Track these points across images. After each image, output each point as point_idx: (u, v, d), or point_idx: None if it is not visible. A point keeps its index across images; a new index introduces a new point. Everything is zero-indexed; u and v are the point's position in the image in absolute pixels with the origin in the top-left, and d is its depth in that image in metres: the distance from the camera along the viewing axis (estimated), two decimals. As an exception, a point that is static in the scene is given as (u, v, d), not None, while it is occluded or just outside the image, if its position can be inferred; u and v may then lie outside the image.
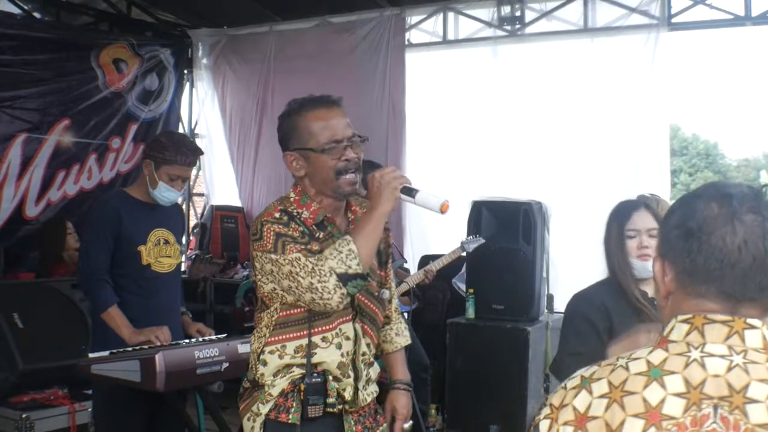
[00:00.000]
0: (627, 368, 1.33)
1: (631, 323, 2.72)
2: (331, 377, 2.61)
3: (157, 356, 3.30)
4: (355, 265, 2.48)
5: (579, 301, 3.09)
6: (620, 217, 3.04)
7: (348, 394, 2.64)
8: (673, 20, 6.66)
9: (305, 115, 2.64)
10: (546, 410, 1.40)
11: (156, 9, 8.85)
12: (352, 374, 2.65)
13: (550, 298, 6.14)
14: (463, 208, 6.02)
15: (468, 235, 5.88)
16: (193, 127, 9.40)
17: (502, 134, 7.16)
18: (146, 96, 8.50)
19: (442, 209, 2.47)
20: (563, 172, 6.83)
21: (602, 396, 1.32)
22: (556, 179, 6.79)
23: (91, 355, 3.60)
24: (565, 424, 1.34)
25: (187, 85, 9.32)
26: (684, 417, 1.25)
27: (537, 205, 6.02)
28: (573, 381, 1.39)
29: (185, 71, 9.15)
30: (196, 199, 9.77)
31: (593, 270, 3.19)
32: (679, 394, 1.27)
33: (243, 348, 3.65)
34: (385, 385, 2.97)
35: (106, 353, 3.60)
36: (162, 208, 4.16)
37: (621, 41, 6.79)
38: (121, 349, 3.64)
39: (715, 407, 1.24)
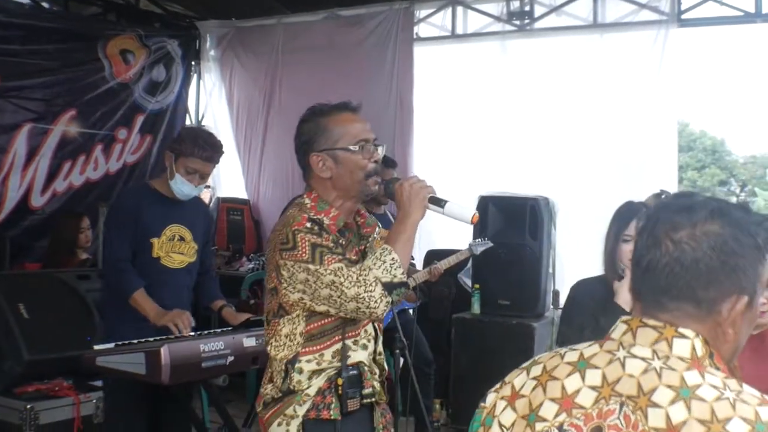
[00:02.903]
0: (563, 357, 1.44)
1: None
2: (366, 368, 2.65)
3: (162, 349, 3.29)
4: (400, 274, 2.52)
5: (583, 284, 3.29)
6: (620, 221, 3.16)
7: (377, 387, 2.70)
8: (683, 17, 6.64)
9: (333, 118, 2.67)
10: (497, 385, 1.52)
11: (164, 0, 8.84)
12: (377, 370, 2.73)
13: (556, 294, 6.14)
14: (470, 203, 6.00)
15: (474, 232, 5.86)
16: (200, 119, 9.40)
17: (510, 129, 7.14)
18: (153, 87, 8.50)
19: (472, 221, 2.57)
20: (570, 167, 6.81)
21: (534, 378, 1.44)
22: (564, 175, 6.77)
23: (96, 347, 3.59)
24: (502, 398, 1.47)
25: (195, 77, 9.31)
26: (592, 408, 1.33)
27: (544, 201, 6.02)
28: (526, 363, 1.51)
29: (193, 63, 9.14)
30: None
31: (600, 266, 3.24)
32: (593, 387, 1.35)
33: (248, 341, 3.64)
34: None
35: (111, 345, 3.59)
36: (184, 204, 4.17)
37: (630, 37, 6.77)
38: (126, 342, 3.63)
39: (621, 404, 1.30)
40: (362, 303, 2.48)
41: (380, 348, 2.77)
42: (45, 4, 8.26)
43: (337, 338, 2.60)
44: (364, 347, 2.66)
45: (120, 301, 4.00)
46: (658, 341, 1.36)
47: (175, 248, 4.12)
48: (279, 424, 2.58)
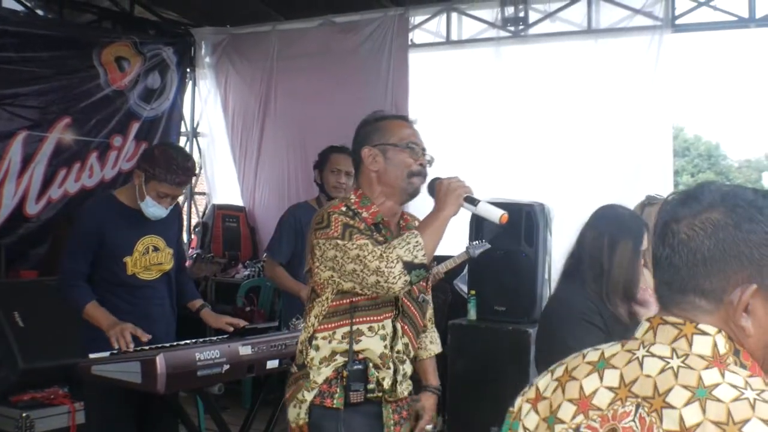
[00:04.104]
0: (585, 356, 1.40)
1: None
2: (371, 365, 2.81)
3: (157, 358, 3.28)
4: (421, 256, 2.68)
5: (578, 302, 3.08)
6: (636, 236, 3.08)
7: (386, 384, 2.83)
8: (677, 22, 6.64)
9: (390, 120, 2.99)
10: (525, 388, 1.48)
11: (159, 7, 8.84)
12: (392, 366, 2.85)
13: (552, 300, 6.12)
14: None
15: (470, 236, 5.85)
16: (195, 125, 9.39)
17: (505, 135, 7.13)
18: (148, 94, 8.48)
19: (502, 220, 2.78)
20: (566, 173, 6.80)
21: (556, 379, 1.40)
22: (559, 181, 6.76)
23: (91, 356, 3.58)
24: (527, 401, 1.44)
25: (190, 84, 9.30)
26: (608, 410, 1.28)
27: (539, 207, 6.00)
28: (555, 365, 1.46)
29: (188, 70, 9.12)
30: (197, 197, 9.75)
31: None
32: (610, 388, 1.30)
33: (244, 350, 3.64)
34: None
35: (106, 354, 3.58)
36: None
37: (625, 42, 6.76)
38: (122, 350, 3.62)
39: (637, 406, 1.25)
40: (382, 277, 2.65)
41: (400, 347, 2.88)
42: (40, 12, 8.26)
43: (347, 321, 2.80)
44: (383, 338, 2.82)
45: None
46: (678, 338, 1.29)
47: (151, 260, 4.04)
48: (294, 406, 2.83)
